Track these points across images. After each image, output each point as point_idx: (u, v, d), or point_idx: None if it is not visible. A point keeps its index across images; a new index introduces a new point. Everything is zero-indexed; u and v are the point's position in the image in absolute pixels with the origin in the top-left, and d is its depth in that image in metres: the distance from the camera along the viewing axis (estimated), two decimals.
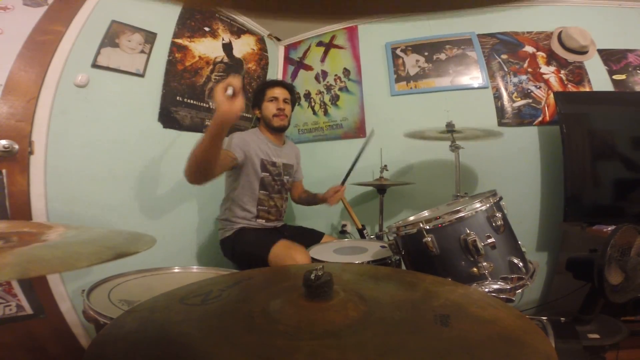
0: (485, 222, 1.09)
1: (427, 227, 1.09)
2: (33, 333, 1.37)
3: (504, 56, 2.24)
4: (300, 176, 2.08)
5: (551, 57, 2.19)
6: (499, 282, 1.02)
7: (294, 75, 2.80)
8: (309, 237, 1.82)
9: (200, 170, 1.31)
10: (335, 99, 2.61)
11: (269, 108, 1.80)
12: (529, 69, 2.19)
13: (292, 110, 1.92)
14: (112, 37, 1.70)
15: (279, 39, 2.81)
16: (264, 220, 1.79)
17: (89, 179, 1.61)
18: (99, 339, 0.50)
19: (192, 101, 2.08)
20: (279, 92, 1.82)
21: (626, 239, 1.19)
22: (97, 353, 0.46)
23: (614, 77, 2.09)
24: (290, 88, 1.90)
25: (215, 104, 1.23)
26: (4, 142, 1.34)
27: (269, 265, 1.52)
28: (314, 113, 2.68)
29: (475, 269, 1.04)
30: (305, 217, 2.53)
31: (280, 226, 1.90)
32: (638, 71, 2.08)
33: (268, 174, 1.78)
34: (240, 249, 1.70)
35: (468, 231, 1.05)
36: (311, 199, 2.01)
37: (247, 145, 1.69)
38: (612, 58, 2.12)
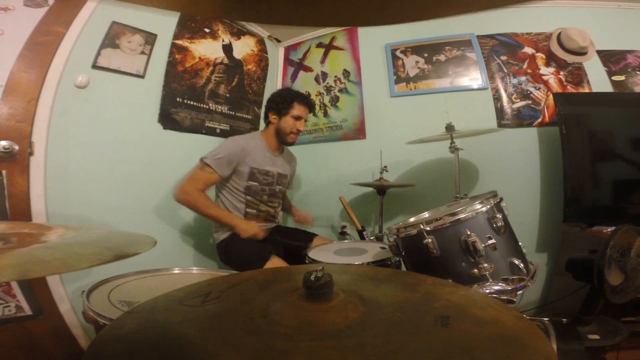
0: (486, 223, 1.09)
1: (428, 229, 1.09)
2: (32, 334, 1.37)
3: (504, 57, 2.24)
4: (291, 186, 2.08)
5: (550, 58, 2.19)
6: (499, 283, 1.02)
7: (294, 76, 2.80)
8: (301, 239, 1.83)
9: (192, 210, 1.72)
10: (335, 100, 2.61)
11: (290, 124, 1.78)
12: (529, 70, 2.20)
13: None
14: (113, 38, 1.70)
15: (279, 40, 2.82)
16: (254, 222, 1.77)
17: (89, 179, 1.61)
18: (98, 339, 0.50)
19: (192, 102, 2.08)
20: (304, 112, 1.81)
21: (626, 240, 1.19)
22: (96, 354, 0.46)
23: (613, 78, 2.09)
24: (312, 109, 1.91)
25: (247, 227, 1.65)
26: (4, 142, 1.34)
27: None
28: (314, 114, 2.68)
29: (475, 270, 1.04)
30: None
31: (273, 227, 1.89)
32: (637, 72, 2.09)
33: (256, 183, 1.76)
34: (234, 257, 1.70)
35: (468, 232, 1.05)
36: (285, 207, 2.08)
37: (237, 156, 1.69)
38: (612, 59, 2.12)
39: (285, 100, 1.79)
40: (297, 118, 1.79)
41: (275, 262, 1.57)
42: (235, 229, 1.65)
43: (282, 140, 1.83)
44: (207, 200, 1.67)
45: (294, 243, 1.77)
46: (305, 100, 1.84)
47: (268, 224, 1.87)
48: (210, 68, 2.21)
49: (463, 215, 1.08)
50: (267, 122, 1.85)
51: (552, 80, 2.16)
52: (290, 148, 2.00)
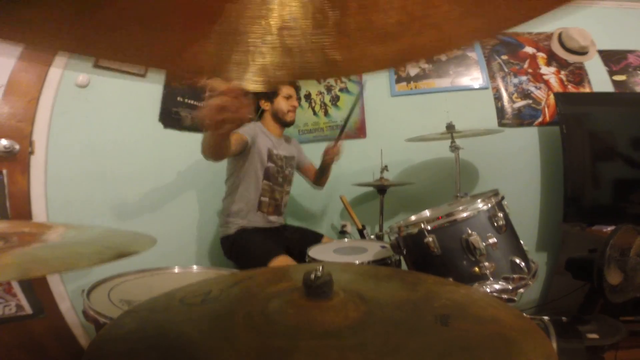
0: (487, 221, 1.09)
1: (429, 227, 1.09)
2: (33, 333, 1.37)
3: (504, 57, 2.24)
4: (308, 161, 2.12)
5: (551, 58, 2.19)
6: (500, 282, 1.02)
7: None
8: (308, 239, 1.83)
9: (212, 153, 1.32)
10: (335, 100, 2.61)
11: (284, 103, 1.84)
12: (529, 70, 2.19)
13: None
14: None
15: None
16: (264, 213, 1.79)
17: (90, 179, 1.61)
18: (98, 339, 0.50)
19: (192, 101, 2.08)
20: (292, 91, 1.88)
21: (625, 239, 1.19)
22: (96, 353, 0.46)
23: (614, 77, 2.09)
24: (297, 89, 1.98)
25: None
26: (4, 142, 1.34)
27: None
28: (314, 114, 2.68)
29: (476, 268, 1.04)
30: (305, 217, 2.53)
31: (279, 226, 1.89)
32: (638, 72, 2.09)
33: (274, 165, 1.81)
34: (240, 253, 1.70)
35: (470, 231, 1.05)
36: (321, 170, 2.02)
37: (254, 133, 1.74)
38: (612, 59, 2.12)
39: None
40: (288, 97, 1.86)
41: (283, 260, 1.56)
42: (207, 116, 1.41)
43: (282, 121, 1.87)
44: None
45: (302, 243, 1.76)
46: (289, 81, 1.90)
47: (277, 217, 1.88)
48: None
49: (464, 214, 1.08)
50: (261, 112, 1.89)
51: (553, 80, 2.16)
52: None
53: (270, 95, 1.85)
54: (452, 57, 2.32)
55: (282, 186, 1.88)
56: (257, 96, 1.88)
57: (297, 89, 1.99)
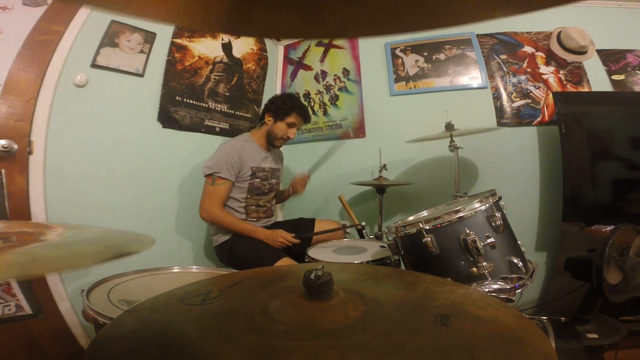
0: (485, 222, 1.09)
1: (427, 227, 1.09)
2: (32, 333, 1.37)
3: (503, 56, 2.24)
4: (282, 178, 2.09)
5: (550, 58, 2.19)
6: (498, 282, 1.02)
7: (294, 75, 2.80)
8: (302, 226, 1.88)
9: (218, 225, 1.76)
10: (334, 99, 2.61)
11: (283, 130, 1.81)
12: (528, 69, 2.19)
13: None
14: (112, 36, 1.70)
15: (278, 39, 2.81)
16: (254, 220, 1.83)
17: (88, 178, 1.61)
18: (98, 339, 0.50)
19: (191, 101, 2.08)
20: (299, 122, 1.85)
21: (625, 239, 1.19)
22: (96, 353, 0.46)
23: (613, 77, 2.09)
24: (308, 121, 1.91)
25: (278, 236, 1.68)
26: (3, 141, 1.34)
27: None
28: (314, 113, 2.67)
29: (475, 268, 1.04)
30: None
31: (271, 224, 1.93)
32: (637, 71, 2.09)
33: (258, 180, 1.82)
34: (240, 256, 1.70)
35: (468, 231, 1.05)
36: (280, 196, 2.09)
37: (238, 159, 1.73)
38: (611, 58, 2.12)
39: (286, 106, 1.81)
40: (291, 125, 1.82)
41: (286, 263, 1.58)
42: (266, 240, 1.70)
43: (271, 143, 1.88)
44: (228, 217, 1.72)
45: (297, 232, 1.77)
46: (304, 113, 1.86)
47: (268, 219, 1.91)
48: (210, 67, 2.20)
49: (462, 214, 1.08)
50: (262, 123, 1.88)
51: (552, 79, 2.16)
52: (290, 145, 2.02)
53: (278, 114, 1.81)
54: (451, 56, 2.32)
55: (268, 194, 1.91)
56: (269, 109, 1.85)
57: (307, 121, 1.92)
